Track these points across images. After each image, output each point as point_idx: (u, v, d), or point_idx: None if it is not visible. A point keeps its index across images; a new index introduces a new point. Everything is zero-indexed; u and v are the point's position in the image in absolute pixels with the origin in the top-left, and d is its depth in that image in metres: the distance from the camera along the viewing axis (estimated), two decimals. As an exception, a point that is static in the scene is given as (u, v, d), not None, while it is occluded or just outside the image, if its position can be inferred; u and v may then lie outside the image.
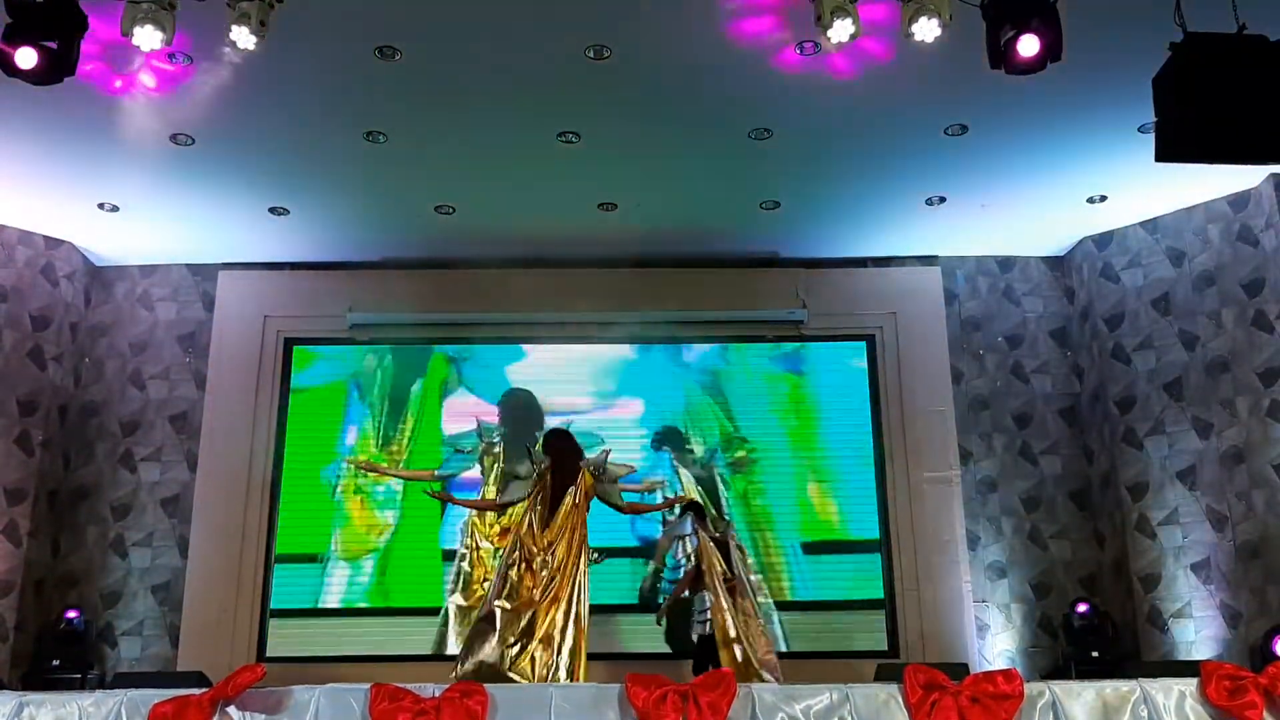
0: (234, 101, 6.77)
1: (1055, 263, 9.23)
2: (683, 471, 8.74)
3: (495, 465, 8.65)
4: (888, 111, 6.98)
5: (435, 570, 8.49)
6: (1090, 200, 8.24)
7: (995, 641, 8.37)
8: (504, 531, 8.01)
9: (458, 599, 8.30)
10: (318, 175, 7.75)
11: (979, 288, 9.18)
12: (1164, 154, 4.93)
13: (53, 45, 5.00)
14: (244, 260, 8.98)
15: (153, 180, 7.73)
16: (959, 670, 4.84)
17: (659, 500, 7.43)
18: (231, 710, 4.41)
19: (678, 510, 7.54)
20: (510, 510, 7.39)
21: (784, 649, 8.12)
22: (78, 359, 8.82)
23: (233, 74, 6.49)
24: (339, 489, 8.69)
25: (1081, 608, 8.06)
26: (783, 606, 8.45)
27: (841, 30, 5.40)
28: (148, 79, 6.53)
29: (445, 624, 8.31)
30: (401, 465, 8.59)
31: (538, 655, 5.97)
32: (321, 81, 6.64)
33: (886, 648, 8.26)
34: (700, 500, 8.16)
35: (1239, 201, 8.06)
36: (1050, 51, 5.11)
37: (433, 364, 9.07)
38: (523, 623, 6.01)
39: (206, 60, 6.37)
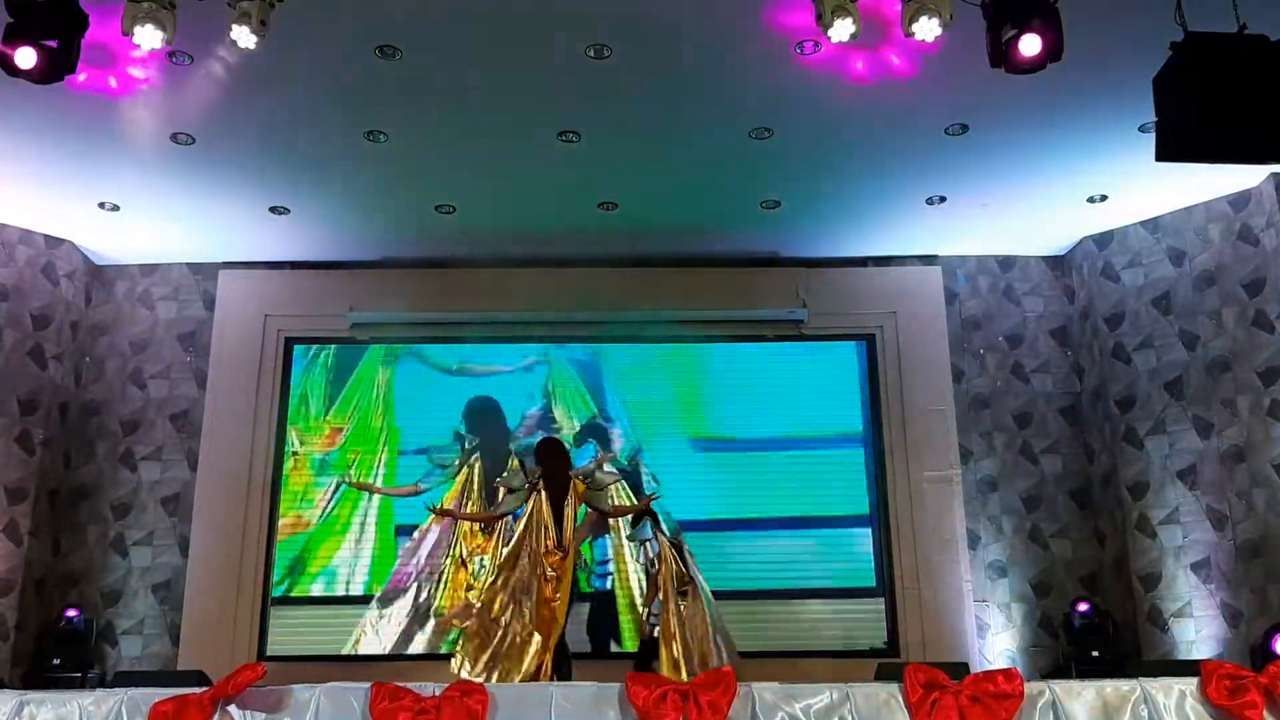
0: (234, 101, 6.76)
1: (1056, 262, 9.23)
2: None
3: (470, 474, 8.70)
4: (888, 111, 6.97)
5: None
6: (1091, 200, 8.24)
7: (995, 641, 8.38)
8: (487, 537, 8.32)
9: (439, 603, 8.39)
10: (318, 174, 7.74)
11: (979, 287, 9.18)
12: (1164, 154, 4.94)
13: (53, 44, 5.01)
14: (244, 259, 8.99)
15: (153, 179, 7.73)
16: (959, 669, 4.82)
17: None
18: (232, 709, 4.41)
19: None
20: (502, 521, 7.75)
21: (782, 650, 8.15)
22: (78, 358, 8.83)
23: (233, 73, 6.49)
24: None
25: (1082, 607, 8.06)
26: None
27: (842, 29, 5.38)
28: (148, 78, 6.52)
29: (421, 625, 8.37)
30: (383, 482, 8.70)
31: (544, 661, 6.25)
32: (321, 81, 6.64)
33: (886, 647, 8.27)
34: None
35: (1239, 201, 8.06)
36: (1051, 51, 5.11)
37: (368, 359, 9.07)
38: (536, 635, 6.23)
39: (206, 60, 6.36)
